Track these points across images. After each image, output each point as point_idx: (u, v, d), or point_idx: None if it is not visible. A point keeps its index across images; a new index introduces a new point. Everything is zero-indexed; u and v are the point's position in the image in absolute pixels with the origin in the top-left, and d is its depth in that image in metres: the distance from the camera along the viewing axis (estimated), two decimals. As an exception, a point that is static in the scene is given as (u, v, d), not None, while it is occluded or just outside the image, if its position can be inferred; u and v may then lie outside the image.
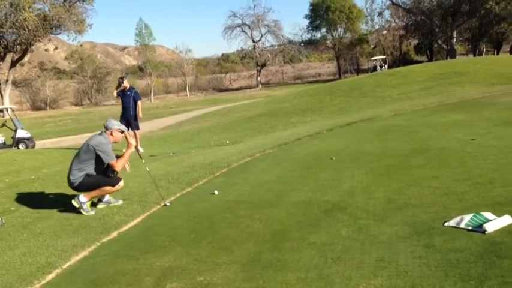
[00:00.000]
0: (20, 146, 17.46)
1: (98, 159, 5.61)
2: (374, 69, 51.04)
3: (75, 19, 35.70)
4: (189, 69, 69.57)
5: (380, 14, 68.03)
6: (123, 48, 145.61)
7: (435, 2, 56.18)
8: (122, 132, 5.94)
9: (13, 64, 38.56)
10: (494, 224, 3.71)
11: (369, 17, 70.00)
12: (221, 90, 67.70)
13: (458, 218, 3.94)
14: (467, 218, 3.89)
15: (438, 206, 4.45)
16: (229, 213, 5.01)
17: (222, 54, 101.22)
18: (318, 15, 69.87)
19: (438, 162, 6.20)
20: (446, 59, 49.04)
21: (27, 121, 30.54)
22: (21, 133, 17.88)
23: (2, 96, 38.92)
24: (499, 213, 3.92)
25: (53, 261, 4.13)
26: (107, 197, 5.93)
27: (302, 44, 73.73)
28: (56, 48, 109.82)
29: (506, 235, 3.55)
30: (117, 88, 11.95)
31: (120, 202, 5.95)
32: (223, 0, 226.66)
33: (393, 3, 62.53)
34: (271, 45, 74.20)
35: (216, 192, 5.91)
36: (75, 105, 58.52)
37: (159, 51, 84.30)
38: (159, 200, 5.79)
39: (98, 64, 64.28)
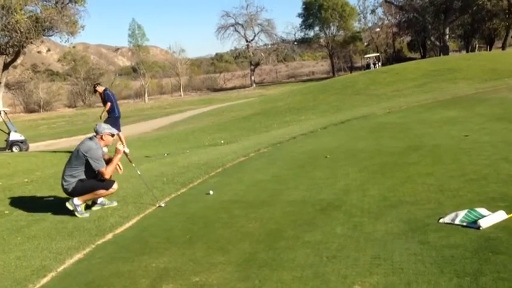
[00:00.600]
0: (14, 149, 17.37)
1: (88, 165, 5.59)
2: (367, 66, 51.20)
3: (68, 20, 35.47)
4: (182, 70, 69.41)
5: (373, 11, 68.29)
6: (117, 49, 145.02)
7: (427, -1, 56.38)
8: (113, 135, 5.91)
9: (6, 67, 38.29)
10: (489, 219, 3.72)
11: (361, 15, 70.16)
12: (215, 90, 67.63)
13: (453, 215, 3.96)
14: (462, 214, 3.91)
15: (433, 202, 4.46)
16: (224, 213, 5.00)
17: (216, 54, 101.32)
18: (310, 14, 69.90)
19: (432, 159, 6.21)
20: (439, 55, 49.28)
21: (21, 124, 30.38)
22: (14, 136, 17.78)
23: (-6, 99, 38.67)
24: (493, 209, 3.93)
25: (48, 264, 4.11)
26: (101, 199, 5.91)
27: (295, 43, 73.78)
28: (49, 50, 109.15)
29: (501, 231, 3.56)
30: (95, 93, 11.92)
31: (115, 204, 5.93)
32: (216, 0, 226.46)
33: (386, 1, 62.63)
34: (265, 45, 74.26)
35: (211, 192, 5.90)
36: (69, 107, 58.29)
37: (153, 51, 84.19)
38: (153, 201, 5.77)
39: (91, 65, 64.13)
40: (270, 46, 74.28)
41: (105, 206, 5.89)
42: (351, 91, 21.35)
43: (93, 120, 30.03)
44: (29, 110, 53.52)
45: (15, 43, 34.76)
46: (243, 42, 72.39)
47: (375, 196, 4.92)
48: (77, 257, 4.26)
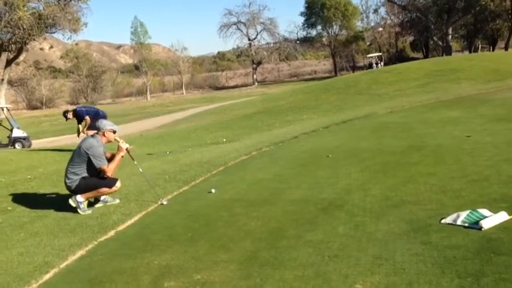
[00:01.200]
0: (16, 146, 17.44)
1: (90, 163, 5.59)
2: (370, 66, 51.15)
3: (70, 18, 35.55)
4: (185, 68, 69.43)
5: (375, 11, 68.39)
6: (119, 47, 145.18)
7: (430, -1, 56.30)
8: (115, 132, 5.92)
9: (8, 63, 38.38)
10: (491, 220, 3.72)
11: (364, 14, 70.23)
12: (217, 88, 67.69)
13: (454, 215, 3.96)
14: (464, 214, 3.91)
15: (435, 203, 4.46)
16: (226, 212, 5.01)
17: (218, 52, 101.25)
18: (313, 13, 69.90)
19: (434, 159, 6.21)
20: (442, 55, 49.23)
21: (23, 120, 30.43)
22: (17, 132, 17.85)
23: (-3, 95, 38.73)
24: (495, 210, 3.93)
25: (50, 261, 4.12)
26: (104, 197, 5.93)
27: (298, 42, 73.84)
28: (51, 47, 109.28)
29: (503, 231, 3.56)
30: (67, 120, 10.88)
31: (117, 201, 5.95)
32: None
33: (388, 0, 62.64)
34: (267, 43, 74.42)
35: (213, 190, 5.91)
36: (71, 104, 58.23)
37: (155, 49, 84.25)
38: (155, 199, 5.78)
39: (94, 63, 64.14)
40: (272, 45, 74.42)
41: (108, 203, 5.90)
42: (353, 91, 21.34)
43: (95, 117, 29.98)
44: (32, 107, 53.63)
45: (18, 40, 34.86)
46: (245, 41, 72.62)
47: (376, 196, 4.92)
48: (80, 253, 4.27)
